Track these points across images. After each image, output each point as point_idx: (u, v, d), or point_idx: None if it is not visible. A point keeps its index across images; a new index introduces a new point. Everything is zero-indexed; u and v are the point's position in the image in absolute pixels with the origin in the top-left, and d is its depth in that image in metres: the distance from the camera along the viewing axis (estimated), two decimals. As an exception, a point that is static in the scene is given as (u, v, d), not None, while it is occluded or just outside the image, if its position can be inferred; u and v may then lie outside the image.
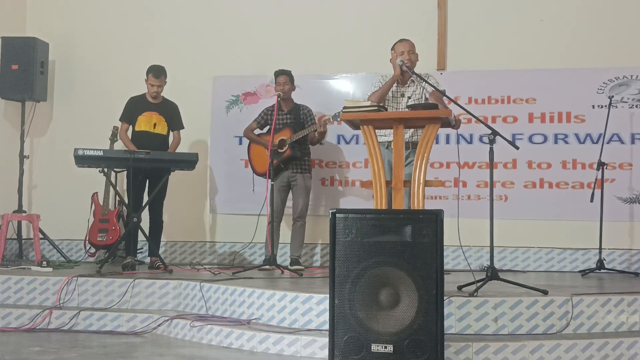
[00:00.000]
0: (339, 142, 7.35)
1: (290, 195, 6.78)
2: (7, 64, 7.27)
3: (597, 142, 6.72)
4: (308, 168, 6.77)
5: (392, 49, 5.74)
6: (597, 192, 6.22)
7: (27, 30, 7.88)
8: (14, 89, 7.31)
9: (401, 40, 5.71)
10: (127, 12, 7.85)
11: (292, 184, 6.69)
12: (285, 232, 6.92)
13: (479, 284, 4.45)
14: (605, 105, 6.63)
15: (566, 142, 6.94)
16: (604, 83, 6.89)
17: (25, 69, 7.28)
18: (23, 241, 7.48)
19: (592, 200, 6.18)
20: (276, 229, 6.53)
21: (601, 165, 6.24)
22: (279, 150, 6.52)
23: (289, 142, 6.54)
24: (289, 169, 6.63)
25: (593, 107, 6.90)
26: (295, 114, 6.72)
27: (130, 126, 6.67)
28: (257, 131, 6.85)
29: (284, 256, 6.90)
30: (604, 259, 6.29)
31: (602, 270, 6.24)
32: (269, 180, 6.14)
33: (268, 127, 6.77)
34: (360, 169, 7.24)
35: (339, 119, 6.51)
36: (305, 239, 6.81)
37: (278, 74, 6.68)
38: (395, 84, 5.67)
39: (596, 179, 6.24)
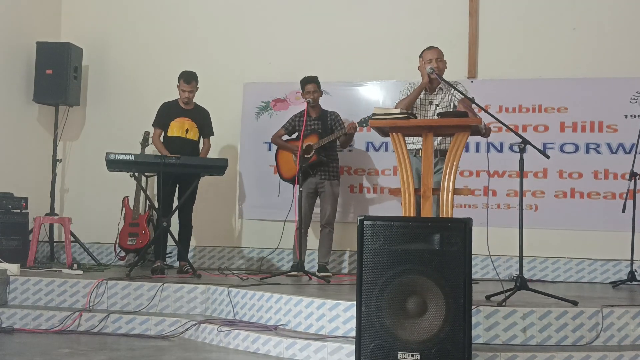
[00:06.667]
0: (367, 149, 7.35)
1: (318, 201, 6.79)
2: (42, 68, 7.38)
3: (629, 152, 6.64)
4: (336, 175, 6.77)
5: (420, 56, 5.67)
6: (629, 202, 6.13)
7: (61, 35, 8.00)
8: (47, 93, 7.41)
9: (429, 48, 5.65)
10: (159, 19, 7.93)
11: (320, 190, 6.70)
12: (313, 239, 6.93)
13: (507, 294, 4.41)
14: (638, 115, 6.54)
15: (598, 152, 6.87)
16: (637, 92, 6.81)
17: (59, 74, 7.37)
18: (54, 244, 7.57)
19: (624, 211, 6.09)
20: (304, 235, 6.54)
21: (633, 175, 6.15)
22: (305, 156, 6.54)
23: (315, 148, 6.55)
24: (316, 175, 6.64)
25: (626, 116, 6.82)
26: (323, 120, 6.73)
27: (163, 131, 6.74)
28: (285, 137, 6.89)
29: (311, 262, 6.89)
30: (636, 271, 6.19)
31: (633, 282, 6.13)
32: (297, 186, 6.19)
33: (296, 133, 6.80)
34: (389, 176, 7.23)
35: (364, 125, 6.54)
36: (333, 246, 6.81)
37: (306, 81, 6.68)
38: (423, 92, 5.62)
39: (628, 190, 6.15)
